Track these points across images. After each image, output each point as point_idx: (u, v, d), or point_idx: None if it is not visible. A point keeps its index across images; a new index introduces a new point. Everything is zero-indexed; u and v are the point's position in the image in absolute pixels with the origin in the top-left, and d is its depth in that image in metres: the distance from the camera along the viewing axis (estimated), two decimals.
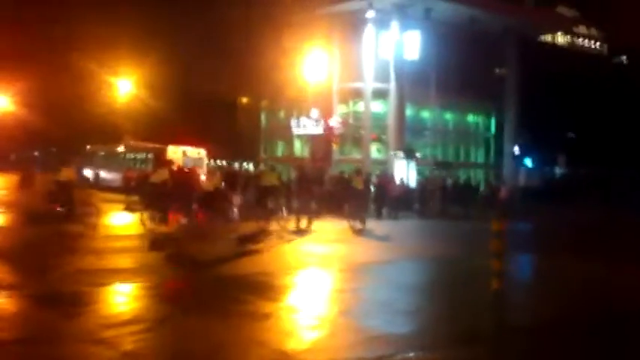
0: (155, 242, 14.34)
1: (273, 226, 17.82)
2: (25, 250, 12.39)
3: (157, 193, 17.76)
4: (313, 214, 19.34)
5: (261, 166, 34.51)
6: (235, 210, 19.61)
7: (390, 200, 26.18)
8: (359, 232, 18.60)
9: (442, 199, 30.32)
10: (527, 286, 10.79)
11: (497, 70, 48.74)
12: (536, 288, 10.82)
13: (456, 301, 9.06)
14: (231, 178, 22.82)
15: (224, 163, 47.51)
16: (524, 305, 8.84)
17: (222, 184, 19.28)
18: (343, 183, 24.70)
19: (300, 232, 17.86)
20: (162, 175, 18.44)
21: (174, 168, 21.57)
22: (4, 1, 48.53)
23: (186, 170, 22.87)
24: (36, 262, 10.94)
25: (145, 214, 17.26)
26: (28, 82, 45.94)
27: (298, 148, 48.24)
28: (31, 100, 48.38)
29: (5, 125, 51.80)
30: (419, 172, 38.31)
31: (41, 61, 45.45)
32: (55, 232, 14.76)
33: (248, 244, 14.87)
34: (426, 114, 47.18)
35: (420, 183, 34.00)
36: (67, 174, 17.04)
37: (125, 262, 11.67)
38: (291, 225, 18.42)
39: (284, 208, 19.64)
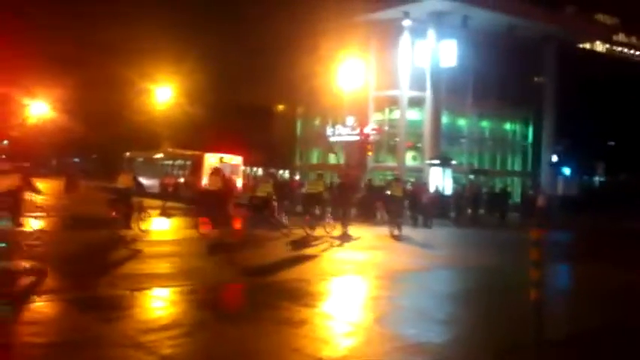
0: (199, 247, 14.53)
1: (319, 232, 18.22)
2: (70, 254, 12.60)
3: (212, 199, 18.44)
4: (352, 221, 19.56)
5: (311, 175, 34.74)
6: (284, 216, 20.21)
7: (422, 208, 25.99)
8: (395, 239, 18.66)
9: (478, 207, 30.06)
10: (566, 296, 10.61)
11: (535, 78, 48.17)
12: (576, 298, 10.62)
13: (493, 310, 8.95)
14: (279, 186, 23.35)
15: (260, 170, 47.80)
16: (563, 316, 8.69)
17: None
18: (377, 190, 24.67)
19: (342, 238, 18.07)
20: (216, 182, 19.02)
21: (218, 176, 21.98)
22: (44, 8, 49.59)
23: (226, 177, 23.15)
24: (79, 266, 11.12)
25: (196, 220, 17.86)
26: (69, 89, 46.86)
27: (333, 155, 48.28)
28: (71, 107, 49.33)
29: (46, 131, 52.92)
30: (455, 180, 38.03)
31: (81, 68, 46.24)
32: (104, 237, 15.07)
33: (292, 249, 15.10)
34: (462, 122, 46.87)
35: (455, 191, 33.75)
36: (125, 181, 17.40)
37: (165, 266, 11.82)
38: (336, 231, 18.69)
39: (330, 215, 20.00)
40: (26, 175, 15.54)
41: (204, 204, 19.13)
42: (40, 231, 14.89)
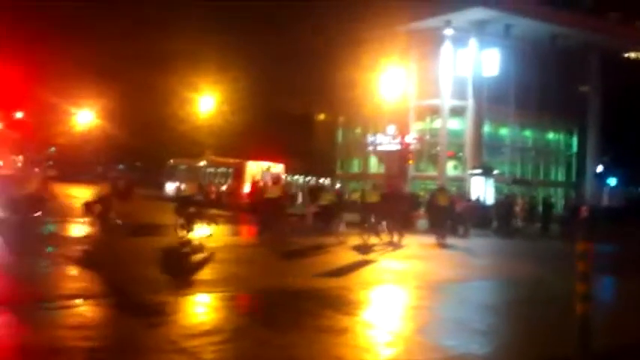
0: (244, 254, 14.77)
1: (373, 240, 18.72)
2: (118, 260, 12.85)
3: (273, 208, 19.66)
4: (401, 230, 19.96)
5: (367, 185, 35.10)
6: (342, 224, 21.45)
7: (458, 217, 25.54)
8: (441, 247, 19.00)
9: (520, 217, 29.69)
10: (611, 310, 10.43)
11: (578, 87, 47.40)
12: (622, 312, 10.44)
13: (536, 323, 8.85)
14: (338, 196, 24.30)
15: (300, 178, 48.00)
16: (608, 329, 8.53)
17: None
18: (415, 199, 24.67)
19: (394, 246, 18.44)
20: (277, 191, 20.41)
21: (261, 184, 22.85)
22: (89, 19, 50.76)
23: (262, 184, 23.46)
24: (125, 271, 11.35)
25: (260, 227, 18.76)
26: (114, 98, 47.89)
27: (374, 164, 48.25)
28: (116, 115, 50.37)
29: (91, 139, 54.09)
30: (497, 190, 37.65)
31: (126, 77, 47.21)
32: (153, 243, 15.40)
33: (336, 257, 15.31)
34: (504, 131, 46.38)
35: (497, 201, 33.40)
36: (190, 189, 17.97)
37: (208, 272, 11.99)
38: (386, 239, 19.22)
39: (383, 224, 20.59)
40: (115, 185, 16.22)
41: (263, 211, 19.82)
42: (90, 236, 15.23)
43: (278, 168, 33.03)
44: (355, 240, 18.58)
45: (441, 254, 18.04)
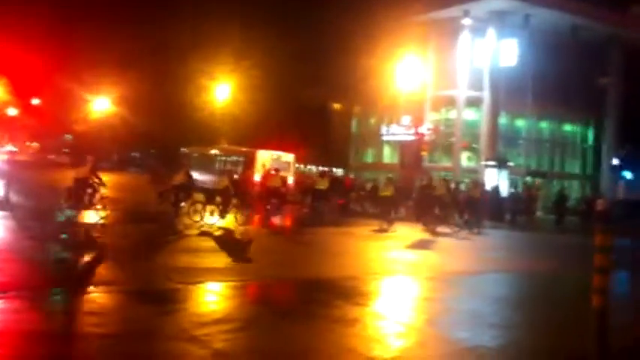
0: (255, 242, 14.78)
1: (386, 231, 19.45)
2: (129, 247, 12.87)
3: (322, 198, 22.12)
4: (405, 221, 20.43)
5: (381, 176, 35.50)
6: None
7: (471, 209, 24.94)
8: (452, 240, 19.00)
9: (535, 209, 29.49)
10: (627, 304, 10.30)
11: (598, 80, 46.81)
12: (636, 306, 10.31)
13: (551, 316, 8.77)
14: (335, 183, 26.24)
15: (314, 168, 47.99)
16: (624, 324, 8.40)
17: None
18: (427, 190, 24.64)
19: (404, 236, 18.63)
20: (325, 182, 22.92)
21: (270, 172, 23.26)
22: (106, 6, 50.89)
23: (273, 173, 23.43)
24: (137, 259, 11.35)
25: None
26: (130, 85, 48.00)
27: (388, 155, 48.09)
28: (132, 103, 50.51)
29: (107, 127, 54.32)
30: (511, 182, 37.37)
31: (142, 65, 47.32)
32: (163, 231, 15.47)
33: (348, 247, 15.30)
34: (520, 123, 45.99)
35: (511, 193, 33.16)
36: (223, 182, 18.30)
37: (220, 261, 11.97)
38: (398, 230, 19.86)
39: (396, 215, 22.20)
40: (94, 168, 16.22)
41: (267, 200, 20.11)
42: (103, 224, 15.27)
43: (289, 157, 32.93)
44: (367, 230, 18.59)
45: (454, 246, 17.96)
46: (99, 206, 16.06)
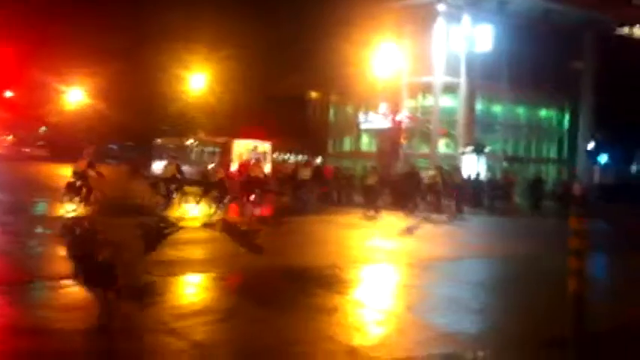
0: (233, 233, 14.66)
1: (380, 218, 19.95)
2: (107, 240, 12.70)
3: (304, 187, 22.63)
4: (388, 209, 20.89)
5: (358, 164, 35.77)
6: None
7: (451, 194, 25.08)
8: (431, 226, 19.12)
9: (512, 195, 29.70)
10: (604, 288, 10.40)
11: (572, 64, 47.22)
12: (614, 289, 10.42)
13: (529, 300, 8.83)
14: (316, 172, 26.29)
15: (292, 157, 47.92)
16: (601, 307, 8.48)
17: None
18: (412, 177, 24.70)
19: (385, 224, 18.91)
20: (308, 172, 23.91)
21: (250, 161, 23.29)
22: None
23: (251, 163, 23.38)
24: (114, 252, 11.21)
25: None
26: (104, 76, 47.44)
27: (366, 143, 48.14)
28: (106, 94, 49.95)
29: (82, 118, 53.71)
30: (489, 168, 37.63)
31: (116, 55, 46.72)
32: (139, 223, 15.28)
33: (326, 235, 15.39)
34: (497, 108, 46.29)
35: (488, 179, 33.36)
36: (171, 170, 18.20)
37: (198, 252, 11.92)
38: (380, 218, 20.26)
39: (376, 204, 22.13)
40: (91, 161, 16.15)
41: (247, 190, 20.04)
42: (81, 217, 15.08)
43: (265, 146, 32.82)
44: (349, 218, 18.64)
45: (434, 232, 18.05)
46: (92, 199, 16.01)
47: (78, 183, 15.95)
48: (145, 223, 13.50)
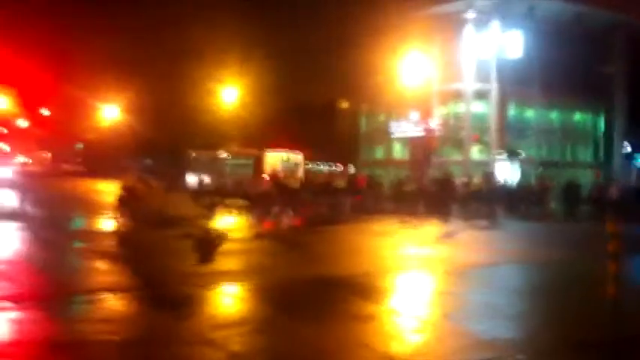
0: (268, 243, 14.82)
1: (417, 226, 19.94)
2: (144, 253, 12.94)
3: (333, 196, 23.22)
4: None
5: (390, 173, 36.11)
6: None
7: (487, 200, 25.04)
8: (465, 233, 18.89)
9: (548, 200, 29.31)
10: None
11: (605, 67, 46.55)
12: None
13: (566, 306, 8.70)
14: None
15: (323, 166, 47.96)
16: (637, 311, 8.38)
17: None
18: (447, 184, 24.67)
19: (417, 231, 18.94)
20: (341, 181, 24.76)
21: (280, 173, 23.52)
22: (113, 13, 51.10)
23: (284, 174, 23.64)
24: (151, 264, 11.42)
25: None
26: (139, 92, 48.20)
27: (398, 151, 48.04)
28: (140, 109, 50.68)
29: (117, 134, 54.56)
30: (523, 173, 37.22)
31: (150, 71, 47.46)
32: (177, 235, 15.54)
33: (360, 243, 15.36)
34: (529, 113, 45.76)
35: (526, 185, 32.95)
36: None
37: (233, 263, 12.02)
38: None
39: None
40: (140, 175, 16.67)
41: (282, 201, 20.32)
42: (117, 231, 15.37)
43: (297, 157, 33.00)
44: (382, 226, 18.62)
45: (469, 239, 17.88)
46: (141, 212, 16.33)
47: (127, 197, 16.26)
48: (195, 235, 13.77)
